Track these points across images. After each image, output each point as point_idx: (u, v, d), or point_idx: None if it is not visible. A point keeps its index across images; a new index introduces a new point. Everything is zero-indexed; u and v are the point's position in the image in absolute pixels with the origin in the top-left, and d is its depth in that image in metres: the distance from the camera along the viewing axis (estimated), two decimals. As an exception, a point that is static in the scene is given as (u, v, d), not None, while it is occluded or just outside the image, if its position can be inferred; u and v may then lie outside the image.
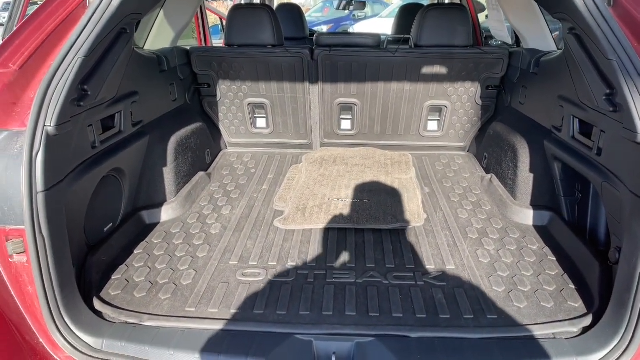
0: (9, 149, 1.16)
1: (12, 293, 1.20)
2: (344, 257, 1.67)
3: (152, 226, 1.87)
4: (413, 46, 2.46)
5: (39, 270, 1.17)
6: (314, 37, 2.65)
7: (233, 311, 1.36)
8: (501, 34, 3.13)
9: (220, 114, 2.68)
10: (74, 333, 1.22)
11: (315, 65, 2.46)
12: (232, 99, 2.62)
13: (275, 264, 1.62)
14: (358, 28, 11.25)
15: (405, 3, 4.22)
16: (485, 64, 2.42)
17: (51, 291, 1.20)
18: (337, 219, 1.89)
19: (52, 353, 1.22)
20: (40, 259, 1.17)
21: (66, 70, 1.23)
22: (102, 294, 1.43)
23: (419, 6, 4.04)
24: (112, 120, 1.64)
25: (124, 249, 1.68)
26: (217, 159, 2.61)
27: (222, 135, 2.77)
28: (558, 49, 2.17)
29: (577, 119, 1.66)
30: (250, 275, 1.55)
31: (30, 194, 1.14)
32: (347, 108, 2.64)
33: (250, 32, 2.40)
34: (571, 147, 1.68)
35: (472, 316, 1.34)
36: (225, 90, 2.59)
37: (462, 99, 2.56)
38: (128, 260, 1.63)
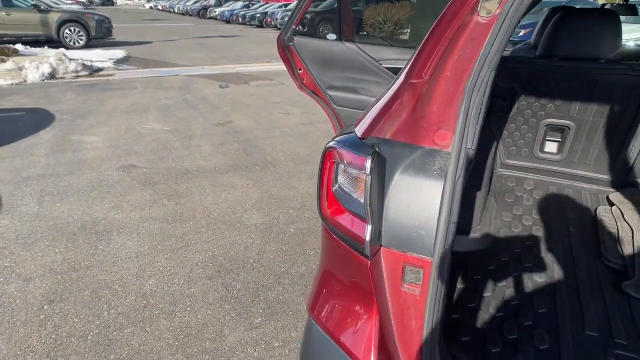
0: (425, 169, 1.05)
1: (392, 322, 1.11)
2: None
3: (460, 256, 1.68)
4: None
5: (433, 307, 1.04)
6: None
7: None
8: None
9: (505, 131, 2.38)
10: None
11: None
12: (528, 117, 2.28)
13: None
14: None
15: None
16: None
17: (433, 331, 1.07)
18: None
19: (416, 397, 1.10)
20: (437, 296, 1.04)
21: (481, 85, 1.06)
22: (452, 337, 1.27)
23: None
24: None
25: None
26: (493, 181, 2.32)
27: (497, 155, 2.46)
28: None
29: None
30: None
31: (447, 223, 1.00)
32: None
33: (583, 43, 2.00)
34: None
35: None
36: (524, 107, 2.26)
37: None
38: (456, 296, 1.45)
